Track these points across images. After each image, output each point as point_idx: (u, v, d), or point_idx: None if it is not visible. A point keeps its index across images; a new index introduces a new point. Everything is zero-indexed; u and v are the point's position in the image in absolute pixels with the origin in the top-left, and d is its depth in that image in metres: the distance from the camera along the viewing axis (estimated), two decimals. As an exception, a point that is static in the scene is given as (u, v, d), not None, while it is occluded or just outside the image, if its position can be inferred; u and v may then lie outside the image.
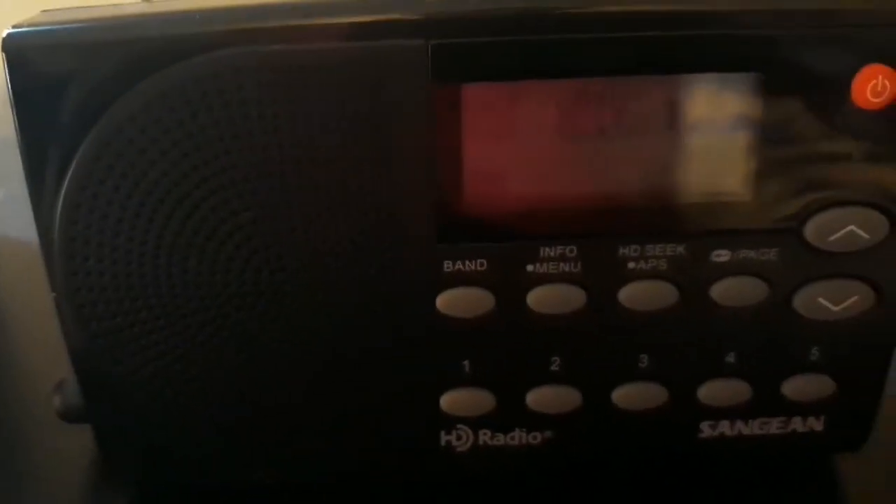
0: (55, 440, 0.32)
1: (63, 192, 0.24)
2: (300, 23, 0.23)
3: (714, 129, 0.24)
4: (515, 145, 0.24)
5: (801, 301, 0.26)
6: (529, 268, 0.25)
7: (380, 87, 0.23)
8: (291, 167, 0.24)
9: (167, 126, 0.23)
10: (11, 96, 0.23)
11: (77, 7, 0.25)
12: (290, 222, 0.24)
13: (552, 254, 0.25)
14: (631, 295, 0.25)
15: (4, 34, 0.23)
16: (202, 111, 0.23)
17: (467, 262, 0.25)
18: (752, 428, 0.28)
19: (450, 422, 0.27)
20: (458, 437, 0.27)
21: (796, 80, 0.24)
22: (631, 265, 0.25)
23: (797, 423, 0.28)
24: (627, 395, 0.27)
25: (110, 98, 0.23)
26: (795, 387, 0.27)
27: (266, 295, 0.25)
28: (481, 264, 0.25)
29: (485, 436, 0.27)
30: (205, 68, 0.23)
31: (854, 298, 0.26)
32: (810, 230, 0.25)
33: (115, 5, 0.25)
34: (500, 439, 0.27)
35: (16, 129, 0.24)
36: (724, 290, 0.25)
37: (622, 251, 0.25)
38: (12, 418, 0.34)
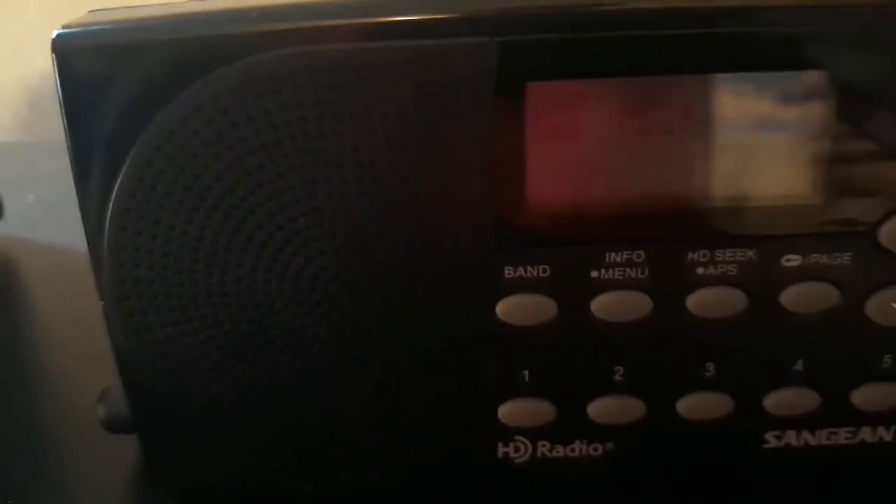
0: (92, 449, 0.31)
1: (113, 197, 0.23)
2: (359, 21, 0.22)
3: (784, 130, 0.23)
4: (580, 146, 0.23)
5: (873, 307, 0.25)
6: (594, 274, 0.24)
7: (443, 86, 0.22)
8: (349, 171, 0.23)
9: (220, 129, 0.22)
10: (61, 98, 0.23)
11: (126, 7, 0.24)
12: (347, 228, 0.23)
13: (618, 259, 0.24)
14: (699, 301, 0.24)
15: (54, 35, 0.22)
16: (257, 114, 0.22)
17: (529, 269, 0.24)
18: (819, 438, 0.27)
19: (508, 433, 0.26)
20: (516, 449, 0.27)
21: (867, 76, 0.23)
22: (700, 270, 0.24)
23: (866, 434, 0.27)
24: (692, 406, 0.26)
25: (161, 100, 0.22)
26: (866, 396, 0.26)
27: (322, 303, 0.24)
28: (544, 270, 0.24)
29: (544, 447, 0.27)
30: (259, 69, 0.22)
31: (929, 305, 0.25)
32: (885, 234, 0.24)
33: (164, 4, 0.24)
34: (560, 451, 0.27)
35: (65, 132, 0.23)
36: (795, 296, 0.24)
37: (691, 256, 0.24)
38: (44, 426, 0.34)
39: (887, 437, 0.27)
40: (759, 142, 0.23)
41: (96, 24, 0.23)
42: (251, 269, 0.24)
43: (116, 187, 0.23)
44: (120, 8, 0.24)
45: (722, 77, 0.23)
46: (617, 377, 0.25)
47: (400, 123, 0.22)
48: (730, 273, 0.24)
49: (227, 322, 0.24)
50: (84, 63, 0.23)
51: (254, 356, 0.25)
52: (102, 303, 0.25)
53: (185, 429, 0.26)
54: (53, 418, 0.34)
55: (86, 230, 0.24)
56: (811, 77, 0.23)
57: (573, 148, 0.23)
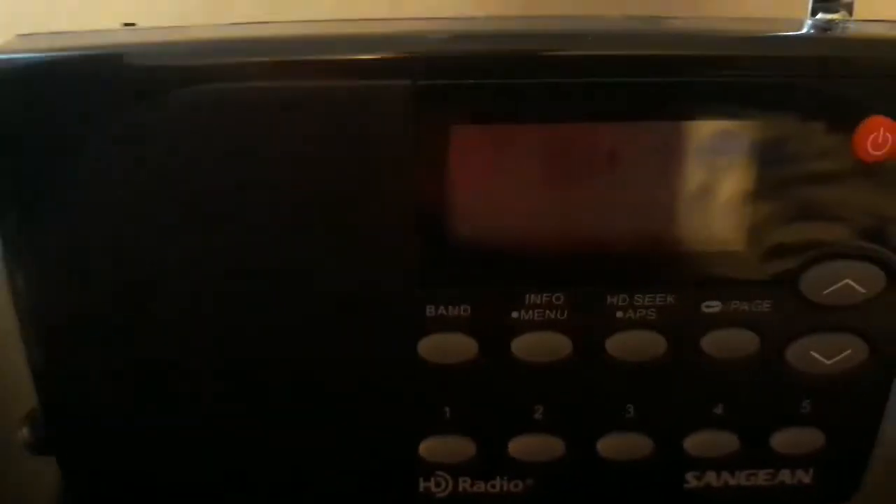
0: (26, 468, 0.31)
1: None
2: (283, 59, 0.22)
3: (709, 178, 0.24)
4: (503, 190, 0.23)
5: (793, 354, 0.25)
6: (514, 314, 0.24)
7: (364, 127, 0.22)
8: (270, 209, 0.23)
9: (135, 157, 0.22)
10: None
11: (55, 32, 0.24)
12: (267, 265, 0.23)
13: (538, 301, 0.24)
14: (618, 344, 0.25)
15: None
16: (180, 147, 0.22)
17: (451, 308, 0.24)
18: (739, 479, 0.27)
19: (429, 468, 0.26)
20: (437, 484, 0.27)
21: (796, 129, 0.23)
22: (619, 314, 0.24)
23: (785, 476, 0.27)
24: (612, 445, 0.26)
25: (85, 133, 0.22)
26: (785, 439, 0.26)
27: (240, 331, 0.24)
28: (465, 310, 0.24)
29: (464, 483, 0.27)
30: (184, 104, 0.22)
31: (847, 352, 0.25)
32: (805, 283, 0.24)
33: (95, 31, 0.24)
34: (481, 487, 0.27)
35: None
36: (715, 342, 0.25)
37: (610, 300, 0.24)
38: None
39: (806, 479, 0.27)
40: (682, 189, 0.24)
41: (23, 50, 0.23)
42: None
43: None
44: (50, 34, 0.24)
45: (646, 125, 0.23)
46: (537, 416, 0.25)
47: (322, 163, 0.22)
48: (649, 317, 0.24)
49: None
50: (8, 92, 0.22)
51: (168, 378, 0.25)
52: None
53: (102, 447, 0.26)
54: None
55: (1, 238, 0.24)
56: (739, 126, 0.23)
57: (496, 190, 0.23)
